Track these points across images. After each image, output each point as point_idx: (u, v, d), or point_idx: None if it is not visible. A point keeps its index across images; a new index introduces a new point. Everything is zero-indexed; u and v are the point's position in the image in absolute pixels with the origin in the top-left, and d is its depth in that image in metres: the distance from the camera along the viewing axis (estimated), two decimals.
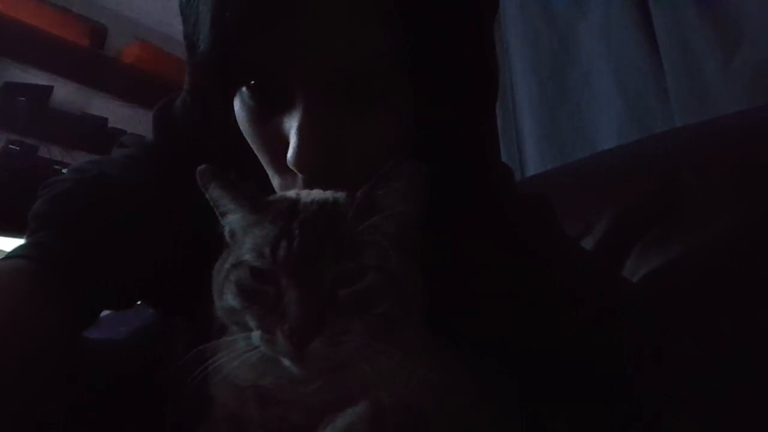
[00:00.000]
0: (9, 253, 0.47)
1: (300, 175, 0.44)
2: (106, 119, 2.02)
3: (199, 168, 0.41)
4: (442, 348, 0.40)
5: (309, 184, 0.44)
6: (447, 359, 0.40)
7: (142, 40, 2.12)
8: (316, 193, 0.42)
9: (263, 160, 0.48)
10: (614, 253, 0.70)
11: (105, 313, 0.74)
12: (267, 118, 0.45)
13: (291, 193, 0.43)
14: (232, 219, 0.42)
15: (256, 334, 0.38)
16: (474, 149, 0.50)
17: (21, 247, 0.47)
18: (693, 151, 0.76)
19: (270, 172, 0.47)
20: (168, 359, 0.50)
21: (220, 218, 0.43)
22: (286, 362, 0.38)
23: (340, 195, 0.41)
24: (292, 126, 0.43)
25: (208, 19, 0.42)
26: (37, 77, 1.92)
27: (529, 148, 1.22)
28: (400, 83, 0.43)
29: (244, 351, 0.39)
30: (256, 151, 0.48)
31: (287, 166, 0.44)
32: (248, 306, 0.38)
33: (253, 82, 0.45)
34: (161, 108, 0.59)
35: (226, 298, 0.40)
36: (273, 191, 0.48)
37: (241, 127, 0.47)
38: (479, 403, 0.40)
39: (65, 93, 2.00)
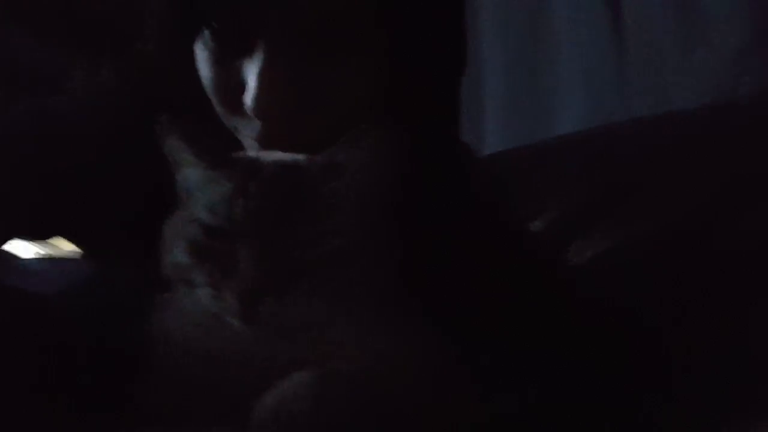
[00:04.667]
0: None
1: (257, 122, 0.43)
2: None
3: (159, 119, 0.40)
4: (408, 321, 0.40)
5: (266, 132, 0.43)
6: (412, 332, 0.40)
7: None
8: (278, 154, 0.41)
9: (219, 107, 0.47)
10: (562, 235, 0.72)
11: (36, 262, 0.71)
12: (227, 62, 0.45)
13: (252, 153, 0.42)
14: (188, 172, 0.41)
15: (204, 291, 0.37)
16: (443, 115, 0.50)
17: None
18: (647, 142, 0.78)
19: (226, 115, 0.47)
20: (108, 315, 0.49)
21: (174, 171, 0.41)
22: (234, 322, 0.37)
23: (302, 157, 0.40)
24: (252, 70, 0.42)
25: None
26: None
27: (490, 122, 1.22)
28: (370, 35, 0.43)
29: (189, 309, 0.38)
30: (212, 97, 0.47)
31: (243, 111, 0.43)
32: (198, 263, 0.38)
33: (215, 24, 0.44)
34: (122, 52, 0.58)
35: (176, 254, 0.39)
36: (229, 141, 0.47)
37: (200, 72, 0.47)
38: (441, 380, 0.40)
39: None
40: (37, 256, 0.77)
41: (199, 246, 0.38)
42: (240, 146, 0.47)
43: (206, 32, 0.45)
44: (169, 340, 0.41)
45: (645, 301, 0.60)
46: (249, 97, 0.42)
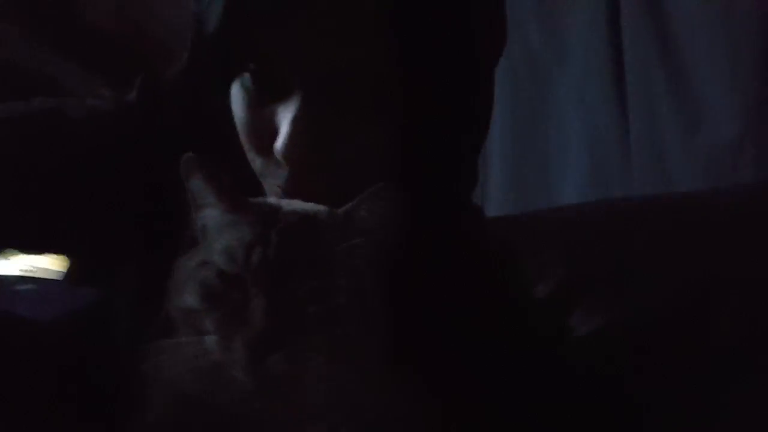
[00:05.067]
0: None
1: (284, 167, 0.44)
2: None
3: (186, 156, 0.40)
4: (405, 381, 0.39)
5: (292, 179, 0.44)
6: (409, 392, 0.39)
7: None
8: (298, 204, 0.41)
9: (248, 146, 0.47)
10: (565, 302, 0.72)
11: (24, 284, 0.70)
12: (263, 104, 0.45)
13: (273, 200, 0.42)
14: (208, 214, 0.40)
15: (212, 339, 0.36)
16: (455, 179, 0.51)
17: None
18: (648, 220, 0.80)
19: (254, 156, 0.47)
20: (103, 350, 0.48)
21: (194, 210, 0.41)
22: (239, 373, 0.36)
23: (322, 209, 0.40)
24: (286, 116, 0.43)
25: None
26: None
27: (492, 188, 1.24)
28: (395, 99, 0.44)
29: (193, 356, 0.37)
30: (243, 138, 0.47)
31: (271, 155, 0.44)
32: (209, 308, 0.37)
33: (255, 67, 0.45)
34: (150, 75, 0.58)
35: (186, 297, 0.38)
36: (248, 186, 0.47)
37: (234, 111, 0.47)
38: None
39: None
40: (23, 273, 0.77)
41: (211, 291, 0.37)
42: (261, 192, 0.48)
43: (245, 75, 0.46)
44: (168, 388, 0.39)
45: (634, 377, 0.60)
46: (280, 141, 0.43)
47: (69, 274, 0.63)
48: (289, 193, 0.44)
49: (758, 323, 0.64)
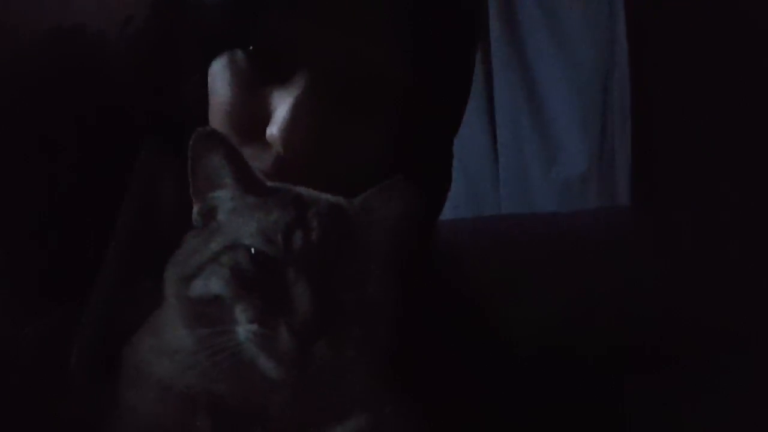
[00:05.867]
0: None
1: (273, 153, 0.43)
2: None
3: (203, 129, 0.38)
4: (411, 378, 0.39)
5: (280, 164, 0.42)
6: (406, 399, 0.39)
7: None
8: (311, 191, 0.39)
9: (228, 126, 0.45)
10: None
11: None
12: (257, 86, 0.44)
13: (286, 185, 0.40)
14: (221, 195, 0.38)
15: (246, 329, 0.33)
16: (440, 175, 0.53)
17: None
18: (514, 238, 0.93)
19: (236, 140, 0.44)
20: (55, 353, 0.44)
21: (200, 191, 0.38)
22: (269, 364, 0.33)
23: (341, 198, 0.39)
24: (285, 100, 0.42)
25: None
26: None
27: None
28: (397, 100, 0.45)
29: (220, 348, 0.34)
30: (223, 116, 0.45)
31: (255, 137, 0.43)
32: (242, 295, 0.34)
33: (258, 46, 0.43)
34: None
35: (208, 283, 0.35)
36: None
37: (215, 89, 0.45)
38: None
39: None
40: None
41: (246, 275, 0.34)
42: None
43: (238, 53, 0.44)
44: (157, 389, 0.36)
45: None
46: (276, 125, 0.41)
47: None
48: (271, 177, 0.42)
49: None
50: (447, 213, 1.24)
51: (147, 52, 0.51)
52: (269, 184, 0.39)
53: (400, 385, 0.38)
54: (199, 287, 0.35)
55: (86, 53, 0.53)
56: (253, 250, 0.34)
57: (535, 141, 1.19)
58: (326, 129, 0.43)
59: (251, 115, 0.44)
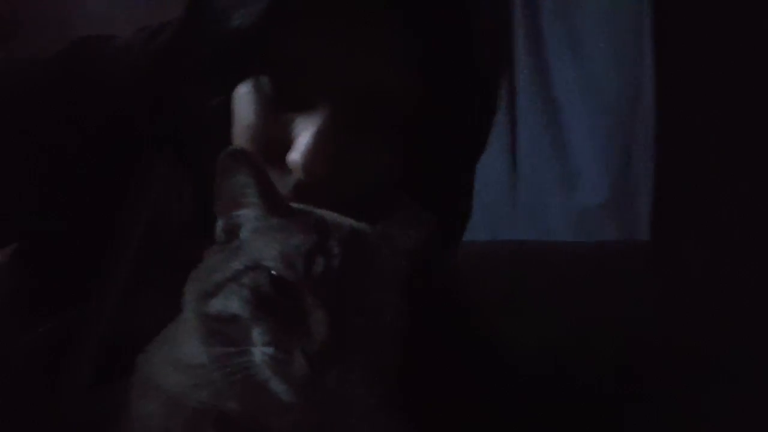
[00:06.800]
0: None
1: (294, 177, 0.44)
2: None
3: (232, 147, 0.38)
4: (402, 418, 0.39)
5: (300, 189, 0.43)
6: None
7: None
8: (335, 215, 0.39)
9: (254, 150, 0.44)
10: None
11: None
12: (280, 111, 0.45)
13: (310, 208, 0.40)
14: (246, 214, 0.38)
15: (262, 352, 0.33)
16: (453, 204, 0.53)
17: None
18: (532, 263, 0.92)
19: None
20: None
21: (224, 208, 0.38)
22: (281, 387, 0.33)
23: (364, 225, 0.39)
24: (307, 128, 0.43)
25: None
26: None
27: None
28: (418, 128, 0.45)
29: (236, 368, 0.34)
30: (245, 140, 0.45)
31: (276, 162, 0.43)
32: (261, 317, 0.34)
33: (281, 73, 0.44)
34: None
35: (227, 302, 0.35)
36: None
37: (239, 113, 0.46)
38: None
39: None
40: None
41: (265, 297, 0.34)
42: None
43: (264, 79, 0.45)
44: (166, 401, 0.36)
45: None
46: (298, 152, 0.42)
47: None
48: (291, 201, 0.42)
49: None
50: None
51: (169, 69, 0.52)
52: (294, 205, 0.39)
53: (405, 408, 0.38)
54: (218, 305, 0.35)
55: (110, 63, 0.53)
56: (273, 273, 0.34)
57: (556, 167, 1.18)
58: (346, 156, 0.44)
59: (273, 139, 0.44)
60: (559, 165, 1.18)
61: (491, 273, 0.90)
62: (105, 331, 0.48)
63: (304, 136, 0.43)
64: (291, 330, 0.33)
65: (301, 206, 0.40)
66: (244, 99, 0.45)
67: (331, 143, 0.43)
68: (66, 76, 0.52)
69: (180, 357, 0.38)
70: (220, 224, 0.39)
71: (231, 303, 0.35)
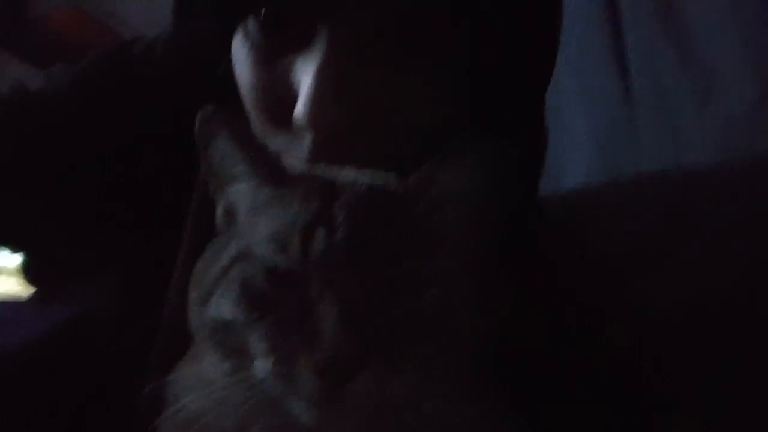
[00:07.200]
0: None
1: (308, 137, 0.35)
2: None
3: (205, 109, 0.30)
4: (494, 401, 0.30)
5: (319, 149, 0.34)
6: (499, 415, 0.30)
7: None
8: (356, 173, 0.31)
9: (259, 115, 0.38)
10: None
11: None
12: (276, 58, 0.36)
13: (322, 168, 0.32)
14: (238, 189, 0.31)
15: (263, 364, 0.26)
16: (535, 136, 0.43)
17: None
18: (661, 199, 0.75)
19: (266, 130, 0.38)
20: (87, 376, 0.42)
21: (214, 188, 0.32)
22: (296, 405, 0.26)
23: (389, 176, 0.30)
24: (307, 71, 0.34)
25: None
26: None
27: None
28: (453, 38, 0.35)
29: (237, 388, 0.28)
30: (251, 103, 0.38)
31: (289, 124, 0.35)
32: (256, 319, 0.27)
33: (266, 9, 0.36)
34: (116, 50, 0.52)
35: (219, 305, 0.28)
36: None
37: (238, 72, 0.39)
38: None
39: None
40: None
41: (258, 292, 0.27)
42: None
43: (250, 23, 0.37)
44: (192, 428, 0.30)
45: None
46: (300, 102, 0.35)
47: (37, 294, 0.57)
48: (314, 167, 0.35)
49: None
50: (578, 175, 1.08)
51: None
52: (299, 170, 0.31)
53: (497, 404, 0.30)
54: (212, 309, 0.29)
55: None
56: (265, 261, 0.27)
57: (680, 73, 0.95)
58: (369, 95, 0.34)
59: (277, 96, 0.37)
60: (683, 68, 0.95)
61: (606, 220, 0.74)
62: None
63: (306, 81, 0.35)
64: (293, 333, 0.26)
65: (310, 169, 0.32)
66: (238, 55, 0.39)
67: (341, 81, 0.34)
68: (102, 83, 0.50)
69: (200, 373, 0.32)
70: (219, 208, 0.32)
71: (223, 306, 0.29)
